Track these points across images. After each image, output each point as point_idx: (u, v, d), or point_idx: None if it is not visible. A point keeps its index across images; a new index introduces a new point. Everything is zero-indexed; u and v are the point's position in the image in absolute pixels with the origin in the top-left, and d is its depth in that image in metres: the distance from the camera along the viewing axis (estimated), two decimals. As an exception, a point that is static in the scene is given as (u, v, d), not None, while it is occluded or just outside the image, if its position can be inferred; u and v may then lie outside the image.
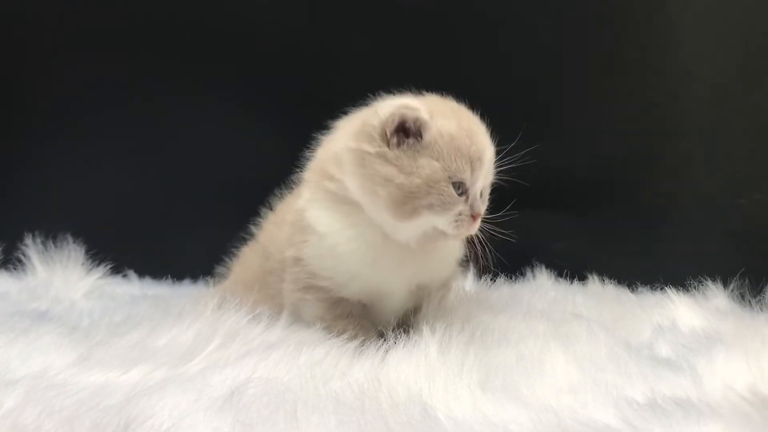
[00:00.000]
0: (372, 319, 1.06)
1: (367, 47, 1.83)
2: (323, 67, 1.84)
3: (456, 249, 1.10)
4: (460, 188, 0.97)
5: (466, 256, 1.11)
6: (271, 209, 1.26)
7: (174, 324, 1.01)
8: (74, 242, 1.68)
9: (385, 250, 1.01)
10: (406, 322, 1.07)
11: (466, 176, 0.97)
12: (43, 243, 1.68)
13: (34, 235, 1.69)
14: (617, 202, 1.74)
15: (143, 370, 0.90)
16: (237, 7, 1.88)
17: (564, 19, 1.76)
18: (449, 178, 0.96)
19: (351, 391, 0.72)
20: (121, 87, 1.89)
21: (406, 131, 0.96)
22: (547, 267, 1.62)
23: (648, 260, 1.67)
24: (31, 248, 1.67)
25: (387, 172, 0.95)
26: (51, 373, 0.87)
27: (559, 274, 1.59)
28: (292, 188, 1.20)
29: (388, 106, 0.96)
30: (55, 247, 1.68)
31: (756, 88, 1.67)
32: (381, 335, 0.99)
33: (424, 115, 0.95)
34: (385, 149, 0.95)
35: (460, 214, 0.96)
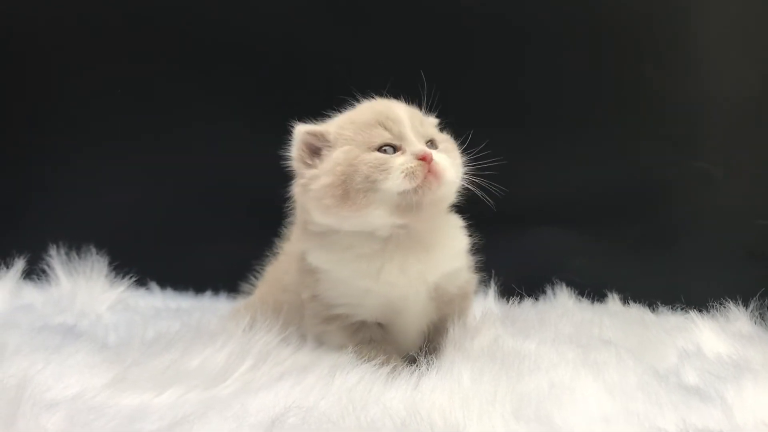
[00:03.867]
0: (398, 343, 1.08)
1: (387, 57, 1.84)
2: (346, 83, 1.84)
3: (459, 238, 1.12)
4: (394, 150, 1.00)
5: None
6: (285, 238, 1.29)
7: (207, 344, 1.02)
8: (97, 254, 1.69)
9: (386, 256, 1.03)
10: (434, 345, 1.07)
11: (385, 137, 1.01)
12: (67, 254, 1.70)
13: (58, 246, 1.71)
14: (636, 221, 1.75)
15: (177, 391, 0.91)
16: (261, 19, 1.89)
17: (583, 36, 1.77)
18: (368, 149, 1.00)
19: (392, 423, 0.72)
20: (146, 100, 1.92)
21: (318, 150, 1.03)
22: (567, 285, 1.63)
23: (667, 279, 1.67)
24: (55, 259, 1.69)
25: (320, 183, 1.00)
26: (88, 395, 0.88)
27: (580, 293, 1.59)
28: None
29: (293, 143, 1.06)
30: (79, 258, 1.69)
31: (777, 108, 1.67)
32: (413, 360, 1.00)
33: (317, 127, 1.04)
34: (313, 170, 1.02)
35: (402, 165, 0.97)
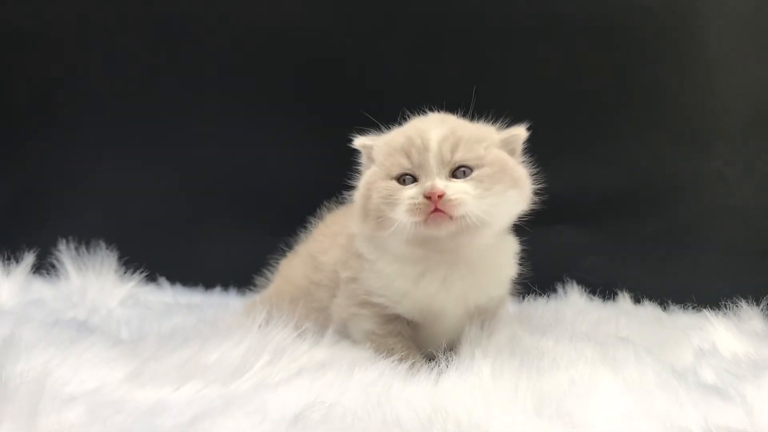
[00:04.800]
0: (423, 341, 1.07)
1: (399, 55, 1.84)
2: (356, 77, 1.84)
3: (509, 266, 1.10)
4: (414, 180, 0.98)
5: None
6: (320, 220, 1.30)
7: (223, 339, 1.01)
8: (107, 248, 1.69)
9: (429, 264, 1.02)
10: (451, 343, 1.07)
11: (404, 166, 0.99)
12: (77, 249, 1.69)
13: (67, 241, 1.70)
14: (647, 220, 1.74)
15: (195, 386, 0.90)
16: (268, 14, 1.88)
17: (596, 37, 1.76)
18: (387, 175, 0.99)
19: (418, 419, 0.72)
20: (155, 96, 1.91)
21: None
22: (578, 283, 1.62)
23: (678, 278, 1.67)
24: (65, 254, 1.68)
25: (355, 195, 1.06)
26: (106, 389, 0.87)
27: (591, 292, 1.58)
28: (342, 202, 1.22)
29: None
30: (89, 253, 1.69)
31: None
32: (431, 357, 1.00)
33: (368, 141, 1.07)
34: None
35: (407, 199, 0.95)
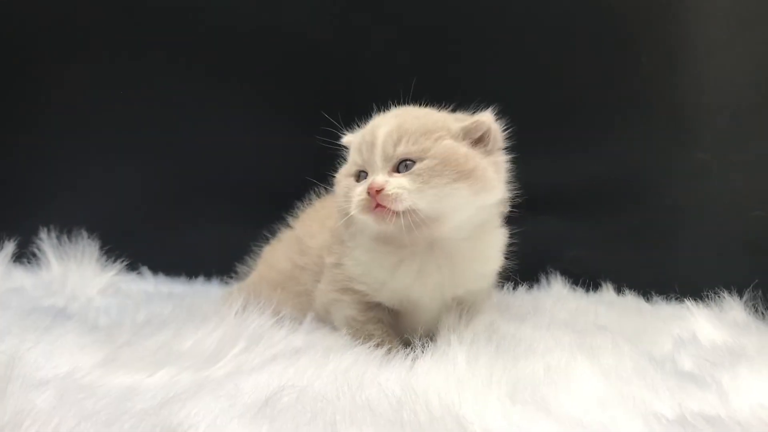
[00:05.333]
0: (404, 329, 1.06)
1: (389, 47, 1.83)
2: (345, 68, 1.83)
3: (492, 259, 1.09)
4: (365, 176, 1.00)
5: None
6: (309, 205, 1.30)
7: (199, 326, 1.01)
8: (89, 237, 1.68)
9: (404, 257, 1.02)
10: (431, 330, 1.06)
11: (358, 164, 1.01)
12: (58, 238, 1.68)
13: (48, 230, 1.69)
14: (632, 211, 1.73)
15: (169, 372, 0.90)
16: (260, 5, 1.87)
17: (579, 25, 1.76)
18: (348, 173, 1.03)
19: (388, 402, 0.71)
20: (139, 84, 1.89)
21: None
22: (561, 274, 1.62)
23: (662, 269, 1.66)
24: (46, 242, 1.67)
25: None
26: (78, 374, 0.87)
27: (574, 282, 1.58)
28: (328, 191, 1.22)
29: None
30: (70, 242, 1.68)
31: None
32: (407, 343, 0.99)
33: (347, 138, 1.09)
34: None
35: (356, 196, 0.97)
